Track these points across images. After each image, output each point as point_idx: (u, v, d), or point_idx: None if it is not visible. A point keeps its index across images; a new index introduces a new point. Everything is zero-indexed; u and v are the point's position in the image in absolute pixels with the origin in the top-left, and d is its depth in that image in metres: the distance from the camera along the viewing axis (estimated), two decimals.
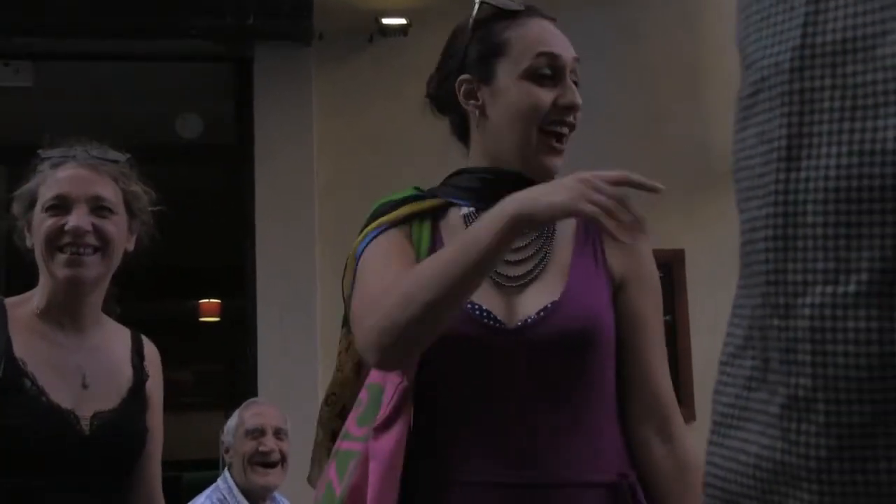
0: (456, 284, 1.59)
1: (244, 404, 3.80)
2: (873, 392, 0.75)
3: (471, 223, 1.80)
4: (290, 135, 5.22)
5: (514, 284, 1.78)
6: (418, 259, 1.76)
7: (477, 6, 1.87)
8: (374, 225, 1.81)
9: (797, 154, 0.80)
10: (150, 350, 2.30)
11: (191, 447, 8.73)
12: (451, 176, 1.91)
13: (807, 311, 0.78)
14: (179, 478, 8.99)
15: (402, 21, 5.23)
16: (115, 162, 2.22)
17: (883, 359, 0.74)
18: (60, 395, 2.07)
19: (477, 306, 1.73)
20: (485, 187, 1.83)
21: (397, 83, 5.19)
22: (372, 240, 1.80)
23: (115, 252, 2.16)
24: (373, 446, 1.71)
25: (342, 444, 1.80)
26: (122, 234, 2.18)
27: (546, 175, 1.80)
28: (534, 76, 1.79)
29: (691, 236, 5.19)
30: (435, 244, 1.80)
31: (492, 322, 1.73)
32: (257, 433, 3.62)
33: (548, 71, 1.80)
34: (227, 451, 3.68)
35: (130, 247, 2.23)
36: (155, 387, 2.27)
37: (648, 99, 5.35)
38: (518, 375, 1.72)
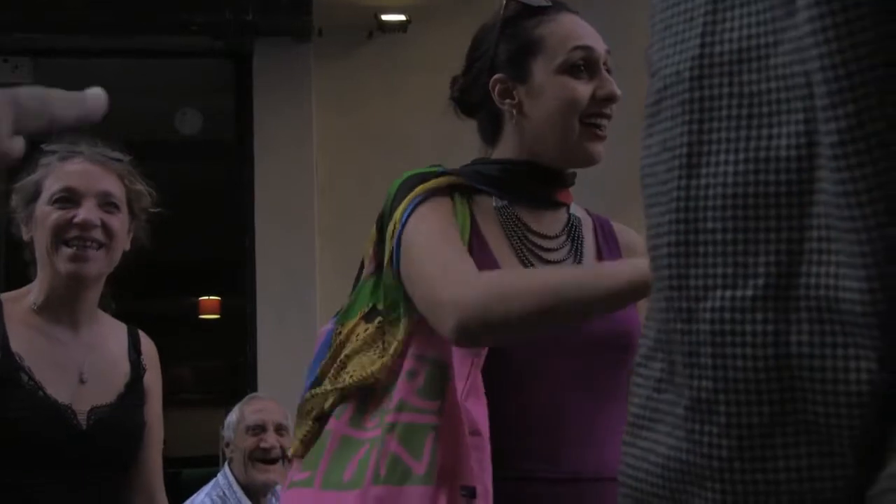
0: (579, 307, 1.58)
1: (245, 399, 3.79)
2: (771, 393, 0.77)
3: (504, 218, 1.80)
4: (290, 131, 5.22)
5: None
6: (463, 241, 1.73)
7: (504, 4, 1.86)
8: (419, 190, 1.75)
9: (697, 161, 0.82)
10: (147, 345, 2.30)
11: (190, 444, 8.73)
12: (474, 161, 1.89)
13: (707, 315, 0.80)
14: (179, 474, 9.00)
15: (402, 17, 5.23)
16: (120, 161, 2.23)
17: (779, 360, 0.76)
18: (58, 390, 2.07)
19: None
20: (517, 180, 1.83)
21: (396, 80, 5.19)
22: (419, 205, 1.74)
23: (117, 249, 2.17)
24: (470, 417, 1.62)
25: (401, 417, 1.68)
26: (124, 232, 2.19)
27: (590, 161, 1.81)
28: (569, 70, 1.80)
29: None
30: (477, 234, 1.77)
31: None
32: (258, 429, 3.61)
33: (582, 64, 1.80)
34: (227, 445, 3.68)
35: (127, 246, 2.23)
36: (153, 381, 2.27)
37: (641, 102, 5.33)
38: (560, 372, 1.72)
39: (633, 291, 1.54)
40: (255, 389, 4.78)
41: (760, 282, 0.78)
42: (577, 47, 1.80)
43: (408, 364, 1.72)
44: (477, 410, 1.62)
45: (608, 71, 1.84)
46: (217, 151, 5.90)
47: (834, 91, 0.73)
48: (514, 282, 1.62)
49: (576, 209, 1.89)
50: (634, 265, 1.56)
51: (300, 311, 5.02)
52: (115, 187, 2.18)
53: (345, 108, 5.31)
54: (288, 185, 5.19)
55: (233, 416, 3.70)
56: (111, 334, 2.25)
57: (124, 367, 2.22)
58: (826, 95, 0.74)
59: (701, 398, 0.80)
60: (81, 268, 2.10)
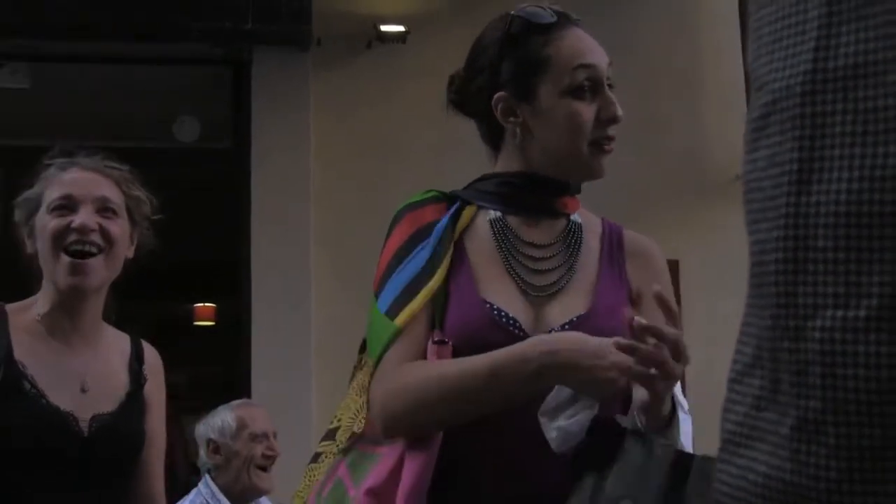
0: (470, 408, 1.65)
1: (236, 405, 3.71)
2: (883, 416, 0.75)
3: (497, 229, 1.81)
4: (287, 139, 5.23)
5: (541, 294, 1.78)
6: (435, 300, 1.76)
7: (510, 20, 1.85)
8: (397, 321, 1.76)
9: (808, 178, 0.80)
10: (151, 354, 2.31)
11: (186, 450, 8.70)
12: (477, 180, 1.91)
13: (817, 335, 0.78)
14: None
15: (401, 28, 5.25)
16: (118, 169, 2.24)
17: (892, 383, 0.75)
18: (60, 397, 2.08)
19: (504, 313, 1.74)
20: (515, 192, 1.84)
21: (394, 89, 5.21)
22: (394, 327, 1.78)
23: (118, 255, 2.17)
24: (411, 453, 1.68)
25: (357, 446, 1.78)
26: (125, 239, 2.20)
27: (595, 176, 1.84)
28: (574, 92, 1.80)
29: (686, 246, 5.20)
30: (460, 268, 1.79)
31: (517, 331, 1.73)
32: (264, 437, 3.57)
33: (587, 84, 1.81)
34: (216, 451, 3.58)
35: (130, 254, 2.24)
36: (155, 390, 2.28)
37: (643, 108, 5.35)
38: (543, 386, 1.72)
39: (541, 377, 1.60)
40: (249, 396, 4.78)
41: (874, 302, 0.76)
42: (581, 66, 1.81)
43: None
44: (424, 441, 1.68)
45: (610, 86, 1.84)
46: (215, 159, 5.90)
47: None
48: (426, 385, 1.67)
49: (583, 216, 1.89)
50: (535, 345, 1.63)
51: (296, 317, 5.02)
52: (112, 193, 2.19)
53: (342, 116, 5.32)
54: (285, 193, 5.20)
55: (226, 422, 3.59)
56: (114, 344, 2.26)
57: (125, 377, 2.23)
58: None
59: (808, 418, 0.78)
60: (82, 281, 2.11)
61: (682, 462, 1.60)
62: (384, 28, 5.24)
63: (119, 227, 2.17)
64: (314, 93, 5.31)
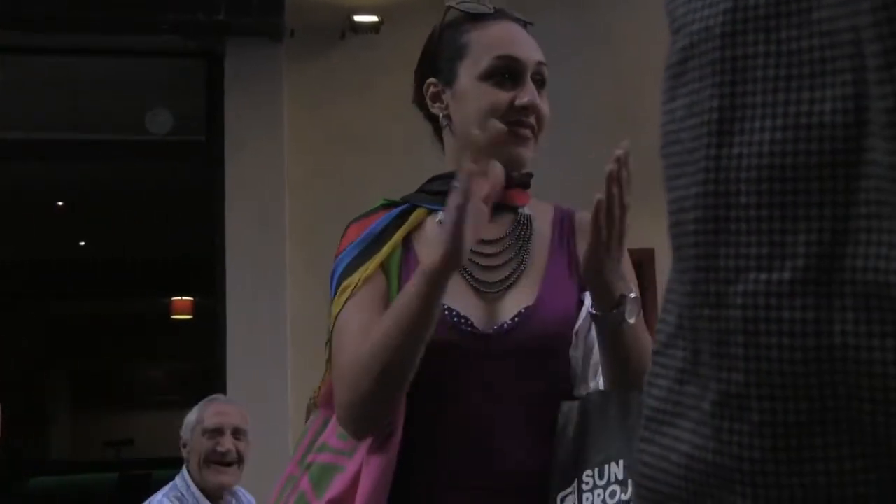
0: (399, 351, 1.64)
1: (204, 401, 3.76)
2: (810, 388, 0.69)
3: None
4: (261, 131, 5.20)
5: (493, 291, 1.79)
6: (390, 281, 1.78)
7: (446, 10, 1.88)
8: (343, 287, 1.79)
9: (729, 128, 0.73)
10: None
11: (163, 445, 8.70)
12: (426, 182, 1.91)
13: (739, 301, 0.72)
14: (149, 475, 8.95)
15: (374, 18, 5.23)
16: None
17: (820, 352, 0.68)
18: None
19: (455, 312, 1.74)
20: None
21: (369, 80, 5.19)
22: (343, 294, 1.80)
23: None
24: (369, 458, 1.70)
25: (318, 457, 1.80)
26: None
27: (517, 165, 1.81)
28: (491, 77, 1.80)
29: (661, 236, 5.19)
30: (408, 261, 1.80)
31: (468, 328, 1.74)
32: (215, 433, 3.60)
33: (506, 72, 1.80)
34: (184, 446, 3.67)
35: None
36: None
37: (619, 100, 5.37)
38: (493, 381, 1.73)
39: (432, 277, 1.60)
40: (224, 390, 4.77)
41: (800, 263, 0.69)
42: (502, 56, 1.80)
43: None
44: (383, 449, 1.68)
45: (542, 83, 1.84)
46: (188, 151, 5.87)
47: (890, 49, 0.65)
48: (361, 358, 1.67)
49: (534, 207, 1.88)
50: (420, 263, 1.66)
51: (271, 311, 5.01)
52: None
53: (317, 108, 5.31)
54: (259, 185, 5.18)
55: (192, 418, 3.68)
56: None
57: None
58: (880, 55, 0.65)
59: (731, 392, 0.72)
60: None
61: None
62: (357, 18, 5.22)
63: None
64: (288, 84, 5.29)
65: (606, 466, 1.64)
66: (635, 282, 1.81)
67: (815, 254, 0.69)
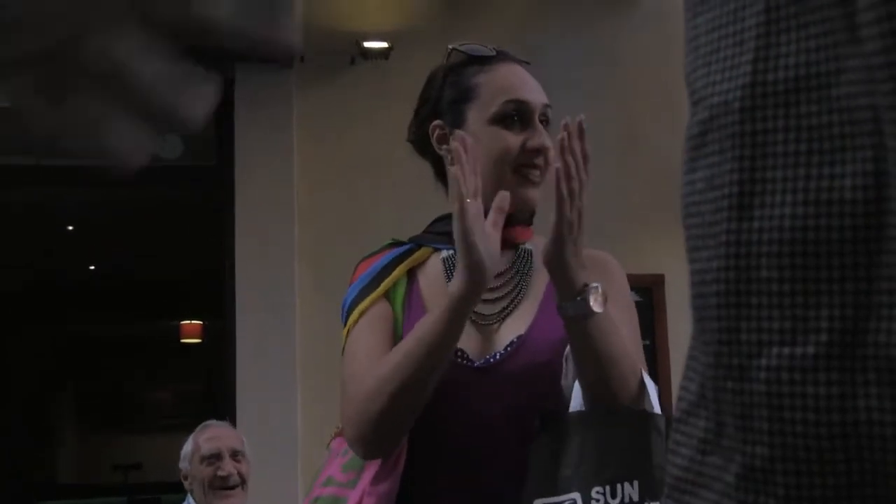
0: (416, 373, 1.66)
1: (197, 429, 3.74)
2: (836, 463, 0.68)
3: (448, 266, 1.84)
4: (271, 156, 5.22)
5: (489, 322, 1.81)
6: (395, 316, 1.81)
7: (450, 52, 1.90)
8: (355, 312, 1.83)
9: (749, 202, 0.73)
10: None
11: (171, 469, 8.68)
12: (431, 223, 1.94)
13: (763, 375, 0.71)
14: (158, 500, 8.93)
15: (384, 44, 5.25)
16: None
17: (845, 427, 0.68)
18: None
19: None
20: None
21: (378, 106, 5.21)
22: (353, 317, 1.84)
23: None
24: (371, 490, 1.71)
25: (324, 490, 1.81)
26: None
27: (525, 207, 1.84)
28: (502, 121, 1.82)
29: (671, 261, 5.20)
30: (411, 294, 1.83)
31: (462, 360, 1.76)
32: (214, 458, 3.59)
33: (515, 115, 1.82)
34: (185, 478, 3.65)
35: None
36: None
37: (626, 123, 5.38)
38: (488, 412, 1.75)
39: (458, 304, 1.64)
40: (233, 413, 4.77)
41: (823, 338, 0.69)
42: (510, 100, 1.82)
43: (343, 442, 1.83)
44: (384, 483, 1.70)
45: (546, 122, 1.86)
46: (198, 176, 5.89)
47: None
48: (374, 380, 1.70)
49: (536, 242, 1.88)
50: (449, 288, 1.68)
51: (280, 335, 5.01)
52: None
53: (326, 133, 5.33)
54: (269, 210, 5.19)
55: (188, 448, 3.66)
56: None
57: None
58: None
59: (755, 466, 0.71)
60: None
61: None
62: (367, 44, 5.25)
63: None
64: (298, 109, 5.31)
65: (619, 486, 1.64)
66: (633, 306, 1.83)
67: (839, 329, 0.68)
